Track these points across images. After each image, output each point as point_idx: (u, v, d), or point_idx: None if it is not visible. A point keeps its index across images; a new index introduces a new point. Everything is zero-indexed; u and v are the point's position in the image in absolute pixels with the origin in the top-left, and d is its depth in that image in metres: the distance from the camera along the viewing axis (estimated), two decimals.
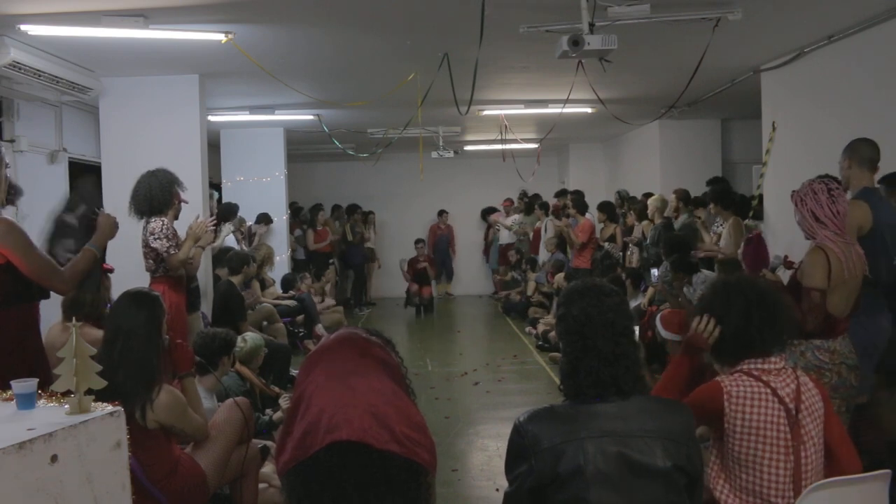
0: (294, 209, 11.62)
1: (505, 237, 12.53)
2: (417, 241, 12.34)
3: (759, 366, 2.37)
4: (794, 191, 3.35)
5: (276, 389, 5.27)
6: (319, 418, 1.66)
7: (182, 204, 4.72)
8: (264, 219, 9.06)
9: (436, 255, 13.17)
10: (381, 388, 1.73)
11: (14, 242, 2.81)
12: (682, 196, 7.73)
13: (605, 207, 9.47)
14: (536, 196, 12.15)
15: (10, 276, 2.83)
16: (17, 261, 2.81)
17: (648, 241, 7.72)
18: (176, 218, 4.65)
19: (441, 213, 13.47)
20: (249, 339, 5.19)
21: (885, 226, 3.58)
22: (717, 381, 2.37)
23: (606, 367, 1.97)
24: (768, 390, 2.30)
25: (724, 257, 6.05)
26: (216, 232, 6.07)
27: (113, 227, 3.33)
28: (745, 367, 2.39)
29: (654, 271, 7.02)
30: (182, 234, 4.66)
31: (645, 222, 8.13)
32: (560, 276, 9.09)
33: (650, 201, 7.99)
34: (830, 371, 3.15)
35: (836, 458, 2.37)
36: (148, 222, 4.52)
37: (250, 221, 8.96)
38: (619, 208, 9.64)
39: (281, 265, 9.27)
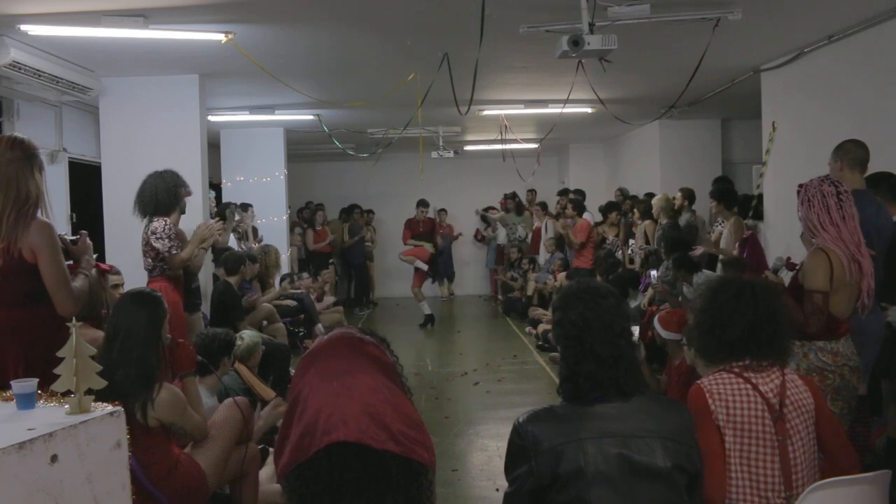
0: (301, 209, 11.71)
1: (502, 237, 12.53)
2: (420, 204, 10.70)
3: (741, 363, 2.38)
4: (802, 185, 3.31)
5: (271, 393, 5.21)
6: (316, 419, 1.66)
7: (186, 198, 4.76)
8: (243, 207, 8.86)
9: (439, 255, 13.08)
10: (376, 386, 1.73)
11: (47, 244, 2.89)
12: (688, 195, 7.74)
13: (615, 207, 9.47)
14: (532, 192, 12.14)
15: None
16: (42, 262, 2.87)
17: (654, 242, 7.72)
18: (183, 212, 4.68)
19: (440, 211, 13.43)
20: (246, 336, 5.17)
21: (873, 227, 3.58)
22: (696, 385, 2.39)
23: (606, 370, 1.97)
24: (749, 386, 2.32)
25: (727, 258, 6.04)
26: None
27: (88, 247, 3.33)
28: (726, 365, 2.41)
29: (654, 273, 7.02)
30: (188, 232, 4.70)
31: (647, 222, 8.13)
32: (562, 276, 9.12)
33: (654, 201, 7.98)
34: (833, 373, 3.14)
35: (831, 454, 2.38)
36: (150, 222, 4.55)
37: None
38: (622, 205, 9.65)
39: (283, 265, 9.25)
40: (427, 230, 10.63)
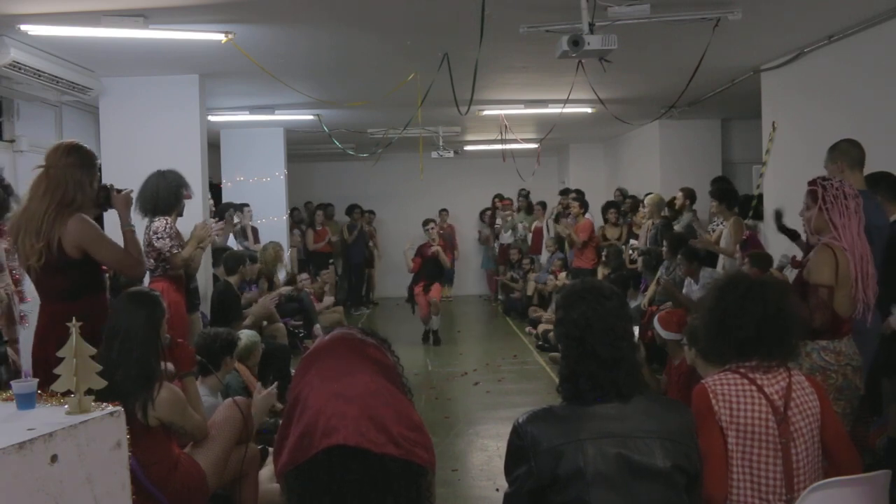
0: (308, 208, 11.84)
1: (506, 237, 12.53)
2: (427, 222, 9.42)
3: (747, 363, 2.36)
4: (817, 183, 3.28)
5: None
6: (316, 421, 1.66)
7: (186, 200, 4.77)
8: (239, 207, 8.48)
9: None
10: (377, 388, 1.73)
11: (90, 236, 3.10)
12: (689, 195, 7.73)
13: (612, 206, 9.49)
14: (519, 190, 12.20)
15: (84, 269, 3.12)
16: (96, 252, 3.10)
17: (647, 241, 7.72)
18: (180, 215, 4.69)
19: (441, 211, 13.41)
20: (245, 335, 5.17)
21: (874, 227, 3.58)
22: (701, 385, 2.38)
23: (606, 372, 1.97)
24: (753, 387, 2.30)
25: (755, 252, 6.02)
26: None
27: (130, 202, 3.59)
28: (731, 365, 2.39)
29: (662, 270, 7.02)
30: (186, 233, 4.70)
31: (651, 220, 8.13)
32: (563, 276, 9.12)
33: (647, 201, 7.99)
34: (836, 373, 3.13)
35: (833, 457, 2.36)
36: (151, 222, 4.56)
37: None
38: (622, 205, 9.66)
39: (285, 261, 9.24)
40: (434, 255, 9.08)
